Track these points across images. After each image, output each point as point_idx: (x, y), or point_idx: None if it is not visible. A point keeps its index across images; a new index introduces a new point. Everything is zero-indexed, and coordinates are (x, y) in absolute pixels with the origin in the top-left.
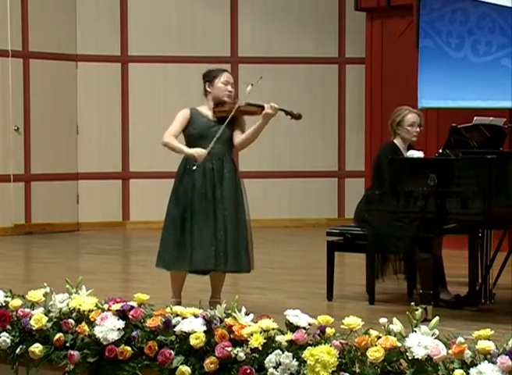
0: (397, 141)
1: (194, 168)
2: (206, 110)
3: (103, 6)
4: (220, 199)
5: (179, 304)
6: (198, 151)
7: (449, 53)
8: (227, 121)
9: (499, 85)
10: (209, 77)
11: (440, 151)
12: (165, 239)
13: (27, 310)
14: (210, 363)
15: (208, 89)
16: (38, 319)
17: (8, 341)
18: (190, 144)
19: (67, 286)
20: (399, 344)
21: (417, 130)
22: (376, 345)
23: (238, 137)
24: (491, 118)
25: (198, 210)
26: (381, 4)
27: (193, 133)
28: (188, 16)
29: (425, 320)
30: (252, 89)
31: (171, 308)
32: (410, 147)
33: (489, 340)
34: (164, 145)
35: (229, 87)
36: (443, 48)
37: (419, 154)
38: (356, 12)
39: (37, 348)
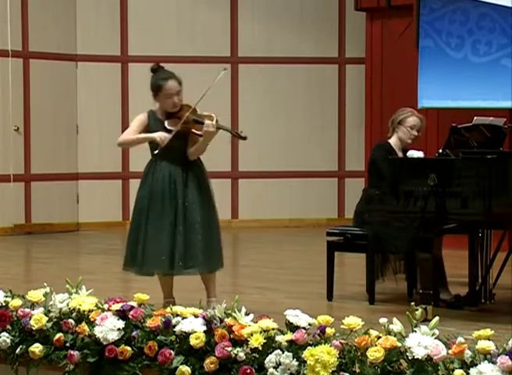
0: (393, 141)
1: (156, 152)
2: (161, 115)
3: (103, 6)
4: (184, 200)
5: (173, 303)
6: (161, 136)
7: (449, 53)
8: (173, 133)
9: (499, 85)
10: (153, 89)
11: (440, 151)
12: (128, 242)
13: (27, 310)
14: (210, 363)
15: (155, 100)
16: (38, 319)
17: (8, 341)
18: (150, 149)
19: (67, 286)
20: (399, 344)
21: (416, 133)
22: (376, 345)
23: (188, 148)
24: (491, 118)
25: (155, 212)
26: (381, 4)
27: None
28: (188, 16)
29: (425, 320)
30: (221, 77)
31: (171, 308)
32: (405, 151)
33: (489, 340)
34: (121, 144)
35: (175, 99)
36: (443, 48)
37: (419, 154)
38: (356, 12)
39: (37, 348)
